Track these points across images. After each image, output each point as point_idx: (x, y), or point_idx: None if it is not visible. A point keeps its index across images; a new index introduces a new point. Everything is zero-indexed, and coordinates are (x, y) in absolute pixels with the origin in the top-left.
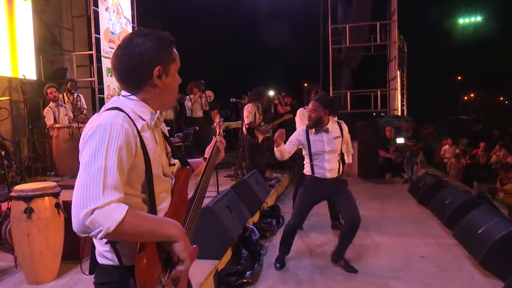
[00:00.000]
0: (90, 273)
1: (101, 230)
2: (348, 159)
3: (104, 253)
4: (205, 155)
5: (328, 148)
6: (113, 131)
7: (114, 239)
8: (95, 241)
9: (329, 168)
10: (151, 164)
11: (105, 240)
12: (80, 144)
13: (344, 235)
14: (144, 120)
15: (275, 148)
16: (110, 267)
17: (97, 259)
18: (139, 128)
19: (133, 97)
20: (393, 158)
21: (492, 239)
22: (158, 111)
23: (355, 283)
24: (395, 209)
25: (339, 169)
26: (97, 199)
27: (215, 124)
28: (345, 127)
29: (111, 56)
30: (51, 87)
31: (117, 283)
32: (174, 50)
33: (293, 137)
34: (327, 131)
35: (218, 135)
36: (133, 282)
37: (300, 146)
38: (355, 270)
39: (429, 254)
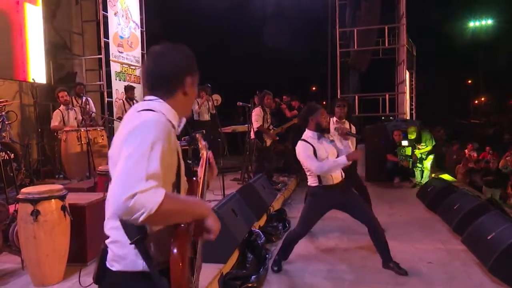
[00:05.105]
0: (96, 282)
1: (143, 212)
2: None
3: (128, 256)
4: (199, 174)
5: (332, 152)
6: (159, 127)
7: (153, 223)
8: (113, 246)
9: (334, 173)
10: (180, 165)
11: (126, 244)
12: (119, 139)
13: (374, 241)
14: (173, 125)
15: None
16: (133, 274)
17: (113, 265)
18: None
19: (160, 100)
20: (398, 161)
21: (502, 245)
22: (184, 119)
23: None
24: (403, 214)
25: (342, 174)
26: (140, 184)
27: (200, 147)
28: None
29: (120, 60)
30: (62, 91)
31: None
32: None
33: (307, 152)
34: (327, 136)
35: (207, 156)
36: (166, 283)
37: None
38: (405, 273)
39: (438, 260)
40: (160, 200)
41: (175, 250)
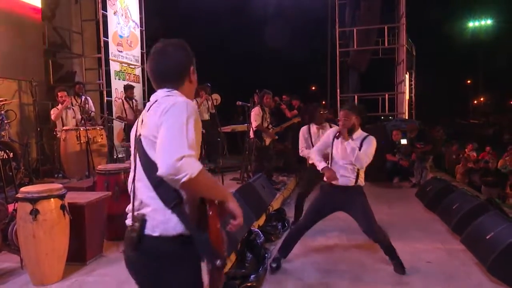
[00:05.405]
0: (133, 248)
1: (186, 174)
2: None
3: (169, 221)
4: None
5: (341, 155)
6: (189, 106)
7: (189, 187)
8: (154, 213)
9: (341, 174)
10: (202, 141)
11: (166, 210)
12: (153, 118)
13: (379, 244)
14: None
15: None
16: (173, 237)
17: (154, 231)
18: None
19: (175, 91)
20: (397, 160)
21: (501, 245)
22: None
23: None
24: (402, 214)
25: (356, 179)
26: (185, 149)
27: None
28: (367, 144)
29: (119, 59)
30: (62, 91)
31: (185, 252)
32: None
33: (326, 136)
34: (350, 141)
35: None
36: (206, 244)
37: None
38: (403, 272)
39: (437, 259)
40: (200, 168)
41: (211, 212)
